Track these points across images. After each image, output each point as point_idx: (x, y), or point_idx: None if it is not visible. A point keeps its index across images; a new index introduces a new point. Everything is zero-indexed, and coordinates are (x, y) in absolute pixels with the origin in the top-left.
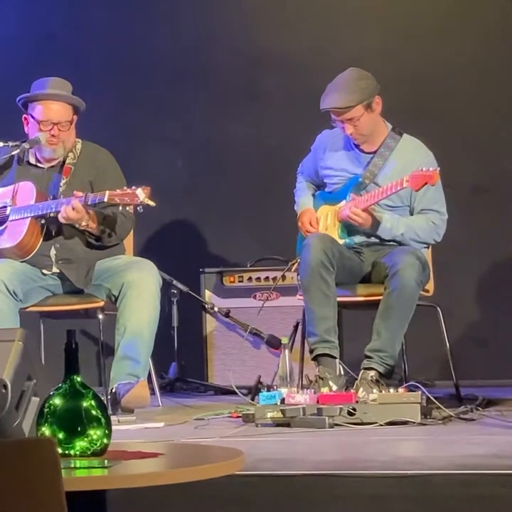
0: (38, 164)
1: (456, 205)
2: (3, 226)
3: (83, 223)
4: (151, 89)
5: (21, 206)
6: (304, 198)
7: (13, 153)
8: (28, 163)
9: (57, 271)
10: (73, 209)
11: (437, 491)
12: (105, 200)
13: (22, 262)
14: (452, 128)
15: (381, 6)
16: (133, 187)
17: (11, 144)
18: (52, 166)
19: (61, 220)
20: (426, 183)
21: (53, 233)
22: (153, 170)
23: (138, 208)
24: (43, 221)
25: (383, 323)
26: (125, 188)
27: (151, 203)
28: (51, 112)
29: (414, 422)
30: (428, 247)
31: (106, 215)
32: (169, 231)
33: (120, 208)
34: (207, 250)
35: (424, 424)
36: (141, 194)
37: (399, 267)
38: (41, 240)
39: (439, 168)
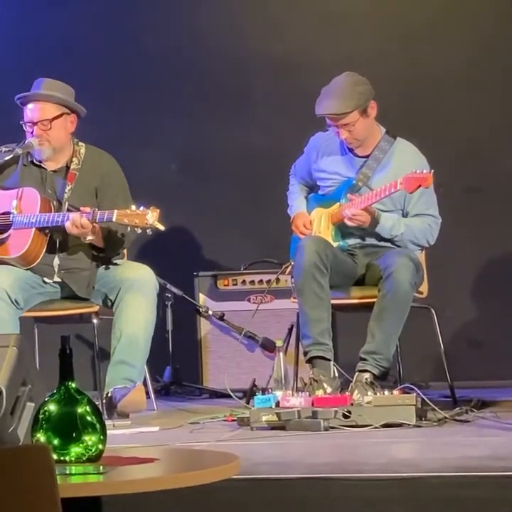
0: (42, 165)
1: (449, 206)
2: (7, 234)
3: (89, 237)
4: (143, 93)
5: (26, 215)
6: (297, 202)
7: (6, 158)
8: (32, 163)
9: (59, 280)
10: (82, 226)
11: (433, 493)
12: (114, 219)
13: (25, 269)
14: (445, 128)
15: (373, 8)
16: (142, 208)
17: (3, 149)
18: (56, 171)
19: (68, 230)
20: (420, 186)
21: (57, 243)
22: (147, 173)
23: (147, 231)
24: (47, 231)
25: (377, 325)
26: (134, 208)
27: (161, 227)
28: (30, 113)
29: (409, 424)
30: (422, 250)
31: (110, 229)
32: (163, 235)
33: (128, 228)
34: (201, 254)
35: (419, 426)
36: (151, 218)
37: (393, 268)
38: (45, 249)
39: (432, 171)
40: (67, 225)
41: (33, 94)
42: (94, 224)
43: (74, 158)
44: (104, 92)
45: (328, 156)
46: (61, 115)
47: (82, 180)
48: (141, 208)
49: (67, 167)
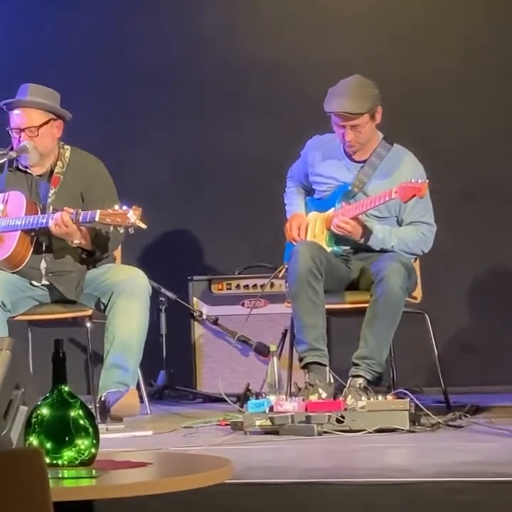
0: (28, 170)
1: (443, 212)
2: None
3: (75, 241)
4: (138, 97)
5: (11, 217)
6: (295, 201)
7: (1, 161)
8: (18, 169)
9: (47, 282)
10: (64, 224)
11: (426, 499)
12: (96, 219)
13: (12, 272)
14: (440, 133)
15: (368, 11)
16: (125, 207)
17: None
18: (41, 175)
19: (52, 229)
20: (414, 196)
21: (44, 246)
22: (141, 178)
23: (129, 230)
24: (32, 233)
25: (370, 330)
26: (116, 207)
27: (143, 226)
28: (16, 119)
29: (402, 430)
30: (416, 259)
31: (98, 231)
32: (157, 239)
33: (111, 228)
34: (195, 258)
35: (413, 432)
36: (133, 216)
37: (384, 273)
38: (31, 251)
39: (427, 181)
40: (51, 224)
41: (18, 100)
42: (81, 227)
43: (58, 162)
44: (100, 96)
45: (325, 160)
46: (48, 121)
47: (67, 184)
48: (124, 208)
49: (52, 171)
